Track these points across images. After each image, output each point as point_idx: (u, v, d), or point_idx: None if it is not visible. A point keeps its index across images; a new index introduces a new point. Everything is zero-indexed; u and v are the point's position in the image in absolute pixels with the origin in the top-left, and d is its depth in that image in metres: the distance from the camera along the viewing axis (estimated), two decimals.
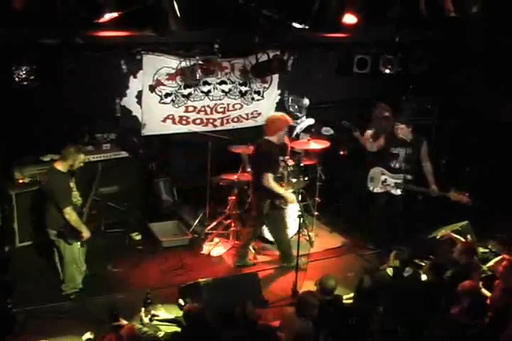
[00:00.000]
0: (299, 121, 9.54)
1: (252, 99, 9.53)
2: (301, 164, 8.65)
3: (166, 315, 6.41)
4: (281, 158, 7.54)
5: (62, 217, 6.56)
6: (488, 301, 5.85)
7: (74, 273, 6.89)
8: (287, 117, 7.47)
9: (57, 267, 7.08)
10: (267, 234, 8.23)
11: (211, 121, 9.36)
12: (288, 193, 7.49)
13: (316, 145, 8.40)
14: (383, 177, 8.18)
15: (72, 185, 6.75)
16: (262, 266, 7.88)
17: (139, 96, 8.68)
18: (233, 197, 8.36)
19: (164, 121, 9.01)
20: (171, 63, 8.58)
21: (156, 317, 6.29)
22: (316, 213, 8.73)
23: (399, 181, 8.03)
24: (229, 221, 8.56)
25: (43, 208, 6.83)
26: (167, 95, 8.83)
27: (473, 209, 7.75)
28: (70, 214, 6.55)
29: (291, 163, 8.05)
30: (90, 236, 6.81)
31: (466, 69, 9.43)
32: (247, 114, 9.57)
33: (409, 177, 7.99)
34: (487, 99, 9.26)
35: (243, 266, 7.85)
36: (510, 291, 5.76)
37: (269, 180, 7.17)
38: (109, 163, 8.29)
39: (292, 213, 7.99)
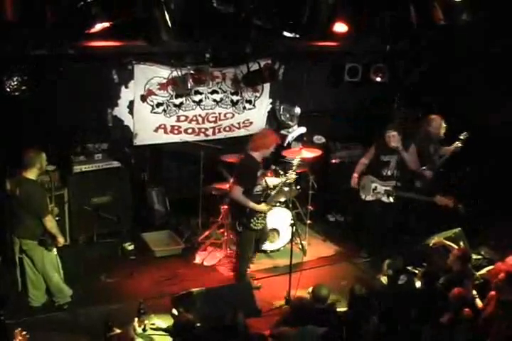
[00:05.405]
0: (290, 129, 9.57)
1: (244, 108, 9.55)
2: None
3: (159, 324, 6.38)
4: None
5: (39, 226, 6.52)
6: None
7: (59, 282, 6.85)
8: (277, 136, 7.21)
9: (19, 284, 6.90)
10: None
11: (203, 130, 9.37)
12: (259, 206, 6.98)
13: (308, 153, 8.42)
14: (373, 185, 8.17)
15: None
16: (256, 274, 7.85)
17: (131, 106, 8.70)
18: (226, 207, 8.33)
19: (156, 130, 9.02)
20: (163, 73, 8.61)
21: (149, 327, 6.26)
22: (308, 222, 8.74)
23: (388, 188, 8.04)
24: (222, 230, 8.55)
25: (16, 219, 6.70)
26: (159, 105, 8.84)
27: (465, 215, 7.78)
28: (52, 222, 6.55)
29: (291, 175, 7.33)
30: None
31: (466, 69, 9.40)
32: (238, 123, 9.59)
33: (398, 183, 8.00)
34: (487, 99, 9.25)
35: None
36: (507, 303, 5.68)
37: (237, 193, 6.87)
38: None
39: (280, 224, 8.14)
